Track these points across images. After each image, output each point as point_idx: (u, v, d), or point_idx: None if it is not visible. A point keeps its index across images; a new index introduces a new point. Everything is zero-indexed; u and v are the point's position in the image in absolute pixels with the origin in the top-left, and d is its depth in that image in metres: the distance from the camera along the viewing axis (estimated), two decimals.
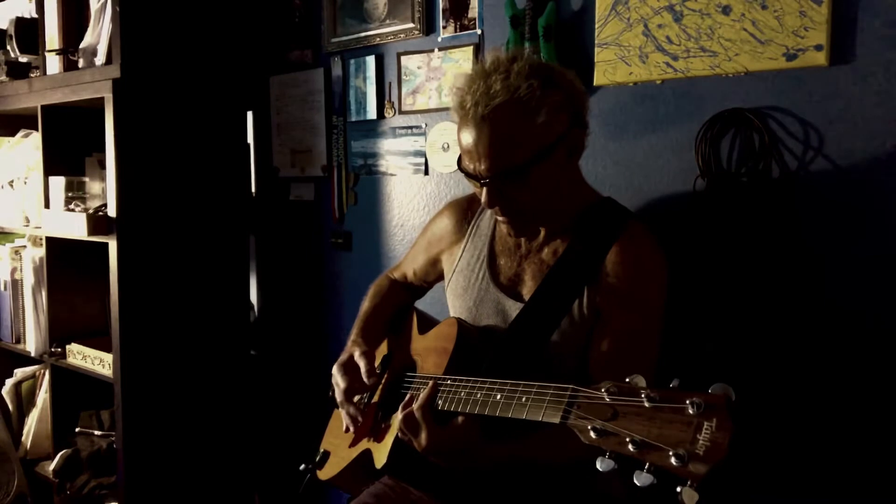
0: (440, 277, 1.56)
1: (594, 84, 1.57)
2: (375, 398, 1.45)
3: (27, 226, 2.45)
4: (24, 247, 2.49)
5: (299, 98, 2.26)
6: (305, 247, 2.33)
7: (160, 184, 2.13)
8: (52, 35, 2.28)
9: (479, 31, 1.81)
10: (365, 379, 1.37)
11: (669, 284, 1.29)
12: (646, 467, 0.84)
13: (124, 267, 2.06)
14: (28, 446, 2.53)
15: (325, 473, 1.51)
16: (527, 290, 1.35)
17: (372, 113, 2.07)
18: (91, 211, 2.16)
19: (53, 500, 2.39)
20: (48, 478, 2.41)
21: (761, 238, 1.40)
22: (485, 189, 1.24)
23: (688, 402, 0.84)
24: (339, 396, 1.41)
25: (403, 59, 1.97)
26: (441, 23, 1.88)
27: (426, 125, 1.96)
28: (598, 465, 0.88)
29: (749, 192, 1.40)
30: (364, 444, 1.41)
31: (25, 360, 2.55)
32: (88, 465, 2.28)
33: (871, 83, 1.27)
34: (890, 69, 1.25)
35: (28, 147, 2.51)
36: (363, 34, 2.05)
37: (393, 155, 2.05)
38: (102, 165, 2.19)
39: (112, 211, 2.06)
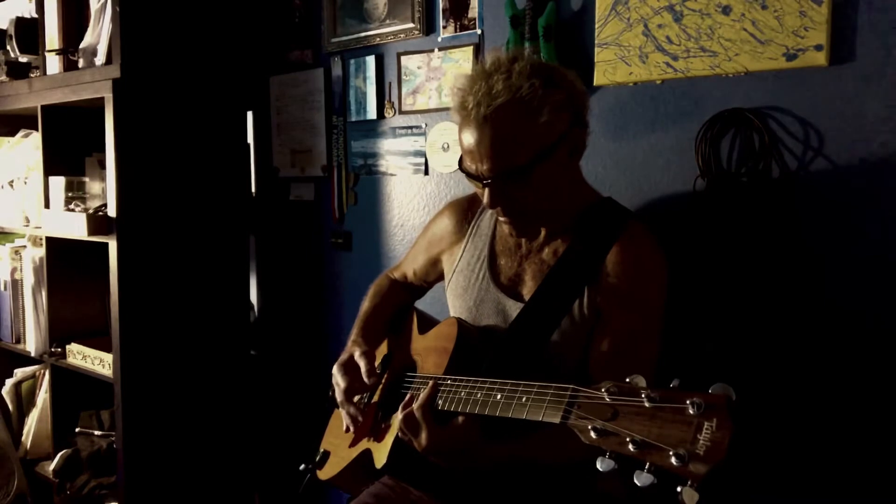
0: (440, 277, 1.56)
1: (594, 84, 1.57)
2: (375, 398, 1.45)
3: (27, 226, 2.46)
4: (24, 247, 2.49)
5: (299, 98, 2.26)
6: (305, 247, 2.33)
7: (160, 184, 2.13)
8: (52, 35, 2.28)
9: (479, 31, 1.81)
10: (365, 378, 1.37)
11: (669, 284, 1.29)
12: (646, 467, 0.84)
13: (124, 267, 2.06)
14: (28, 446, 2.53)
15: (325, 473, 1.51)
16: (527, 290, 1.35)
17: (372, 113, 2.07)
18: (91, 211, 2.16)
19: (53, 500, 2.39)
20: (48, 478, 2.41)
21: (761, 238, 1.40)
22: (487, 189, 1.24)
23: (688, 402, 0.84)
24: (339, 396, 1.41)
25: (403, 59, 1.97)
26: (441, 23, 1.88)
27: (426, 125, 1.96)
28: (599, 466, 0.88)
29: (749, 192, 1.40)
30: (364, 443, 1.41)
31: (25, 360, 2.55)
32: (88, 465, 2.28)
33: (871, 83, 1.27)
34: (890, 69, 1.25)
35: (28, 147, 2.51)
36: (363, 34, 2.05)
37: (393, 155, 2.05)
38: (102, 165, 2.19)
39: (112, 211, 2.06)
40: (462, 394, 1.19)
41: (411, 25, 1.93)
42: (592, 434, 0.91)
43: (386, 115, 2.04)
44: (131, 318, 2.09)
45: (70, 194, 2.26)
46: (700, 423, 0.82)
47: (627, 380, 0.92)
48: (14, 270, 2.51)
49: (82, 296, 2.39)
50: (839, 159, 1.32)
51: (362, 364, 1.38)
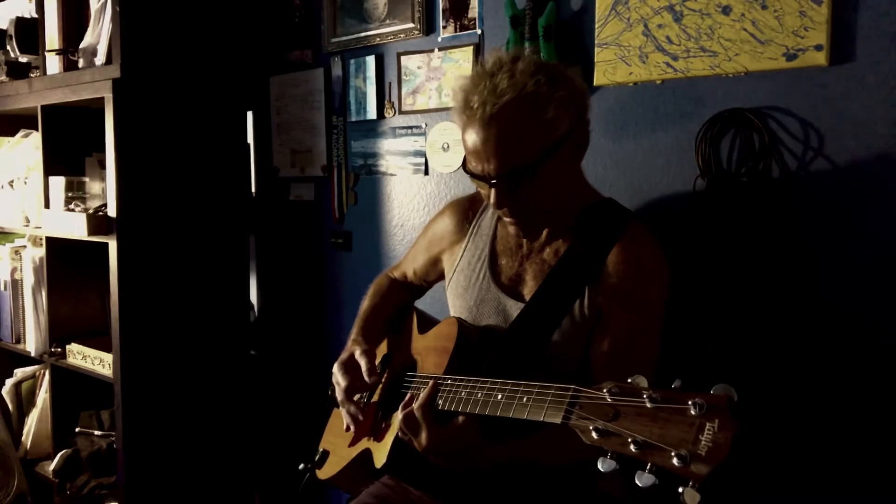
0: (440, 277, 1.56)
1: (594, 84, 1.57)
2: (375, 397, 1.45)
3: (27, 226, 2.45)
4: (24, 247, 2.49)
5: (299, 98, 2.26)
6: (305, 247, 2.33)
7: (160, 184, 2.13)
8: (52, 35, 2.27)
9: (479, 31, 1.81)
10: (366, 377, 1.37)
11: (670, 284, 1.29)
12: (647, 468, 0.84)
13: (124, 267, 2.06)
14: (28, 446, 2.53)
15: (324, 473, 1.51)
16: (528, 290, 1.35)
17: (372, 113, 2.07)
18: (91, 211, 2.16)
19: (53, 500, 2.39)
20: (48, 478, 2.40)
21: (761, 238, 1.40)
22: (494, 190, 1.23)
23: (690, 402, 0.84)
24: (339, 395, 1.41)
25: (403, 59, 1.97)
26: (441, 23, 1.88)
27: (426, 125, 1.96)
28: (600, 466, 0.88)
29: (749, 192, 1.40)
30: (364, 443, 1.41)
31: (25, 360, 2.55)
32: (88, 465, 2.28)
33: (871, 83, 1.27)
34: (890, 69, 1.25)
35: (28, 147, 2.51)
36: (363, 34, 2.05)
37: (393, 155, 2.05)
38: (102, 165, 2.19)
39: (112, 211, 2.06)
40: (462, 394, 1.19)
41: (411, 25, 1.93)
42: (594, 434, 0.91)
43: (386, 115, 2.04)
44: (131, 318, 2.09)
45: (70, 194, 2.26)
46: (702, 424, 0.82)
47: (629, 380, 0.92)
48: (14, 270, 2.51)
49: (82, 296, 2.39)
50: (839, 159, 1.32)
51: (363, 363, 1.38)
